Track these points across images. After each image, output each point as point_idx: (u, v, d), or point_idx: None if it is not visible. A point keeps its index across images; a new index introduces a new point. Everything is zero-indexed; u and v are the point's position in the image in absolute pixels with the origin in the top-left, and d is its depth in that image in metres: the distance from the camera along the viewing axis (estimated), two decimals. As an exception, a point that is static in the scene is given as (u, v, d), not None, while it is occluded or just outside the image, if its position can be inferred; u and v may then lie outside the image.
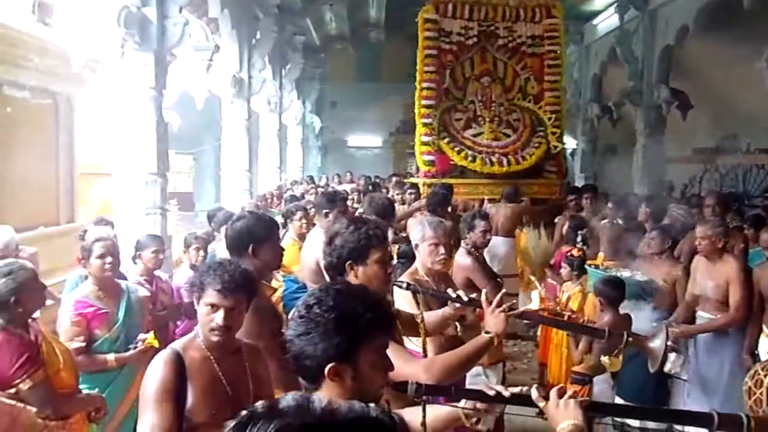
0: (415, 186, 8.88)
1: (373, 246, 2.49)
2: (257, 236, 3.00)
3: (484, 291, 2.69)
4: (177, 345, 2.29)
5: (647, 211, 6.56)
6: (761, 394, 3.20)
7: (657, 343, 2.68)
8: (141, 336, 3.65)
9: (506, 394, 1.83)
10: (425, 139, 9.41)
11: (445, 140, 9.38)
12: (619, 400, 5.12)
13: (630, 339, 2.80)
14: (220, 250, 4.77)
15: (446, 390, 2.06)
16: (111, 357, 3.53)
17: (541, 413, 1.80)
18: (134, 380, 3.67)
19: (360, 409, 0.98)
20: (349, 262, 2.49)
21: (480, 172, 9.28)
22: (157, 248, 4.43)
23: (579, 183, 11.88)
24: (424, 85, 9.50)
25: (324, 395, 1.15)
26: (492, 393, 1.84)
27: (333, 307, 1.59)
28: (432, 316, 2.81)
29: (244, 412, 0.96)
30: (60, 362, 2.90)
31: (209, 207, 9.38)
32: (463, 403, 1.91)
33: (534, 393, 1.82)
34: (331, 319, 1.58)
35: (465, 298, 2.68)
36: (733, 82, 10.41)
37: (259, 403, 0.97)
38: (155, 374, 2.15)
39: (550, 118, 9.72)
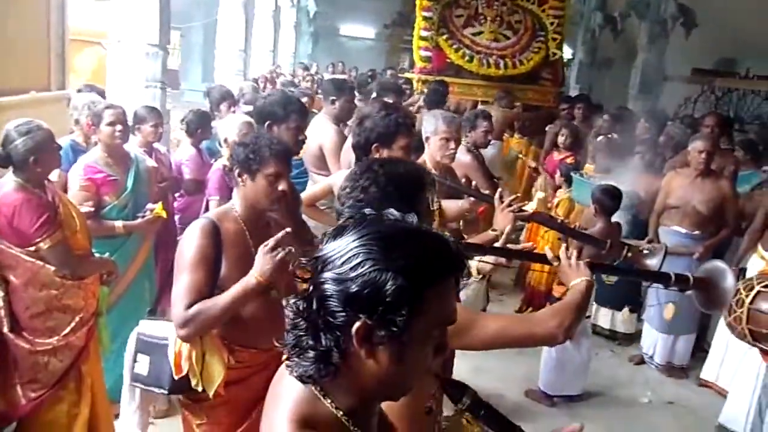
0: (408, 82, 8.82)
1: (401, 133, 2.61)
2: (277, 115, 3.03)
3: (498, 190, 2.82)
4: (212, 215, 2.37)
5: (646, 126, 6.63)
6: (741, 313, 3.41)
7: (654, 262, 2.78)
8: (149, 206, 3.71)
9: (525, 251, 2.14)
10: (424, 34, 9.25)
11: (444, 37, 9.23)
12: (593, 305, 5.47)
13: (629, 254, 2.93)
14: (221, 127, 4.76)
15: (480, 249, 2.20)
16: (119, 224, 3.59)
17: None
18: (141, 248, 3.77)
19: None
20: (375, 145, 2.59)
21: (476, 73, 9.21)
22: (156, 122, 4.41)
23: (573, 93, 11.82)
24: (427, -24, 9.23)
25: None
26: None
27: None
28: (451, 205, 2.90)
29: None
30: (77, 224, 2.96)
31: (196, 86, 9.23)
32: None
33: (549, 253, 2.08)
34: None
35: (481, 192, 2.78)
36: (738, 4, 10.24)
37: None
38: (193, 240, 2.23)
39: (552, 23, 9.58)
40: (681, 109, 12.06)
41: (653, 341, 5.18)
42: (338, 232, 1.06)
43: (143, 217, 3.68)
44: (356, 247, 1.00)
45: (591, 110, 8.25)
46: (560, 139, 6.40)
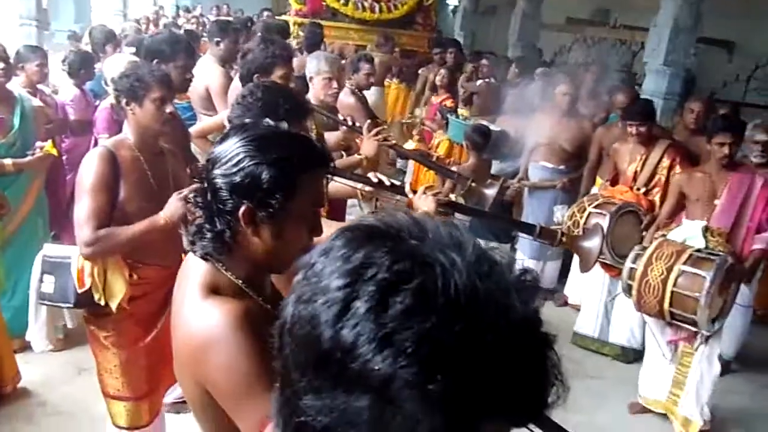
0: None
1: (278, 64, 2.90)
2: (164, 53, 3.18)
3: (367, 122, 3.15)
4: (108, 144, 2.54)
5: (516, 72, 7.11)
6: (581, 217, 3.96)
7: (491, 192, 2.89)
8: (39, 144, 3.74)
9: (387, 183, 2.38)
10: (299, -24, 9.25)
11: (319, -22, 9.27)
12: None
13: (473, 183, 3.12)
14: (107, 67, 4.75)
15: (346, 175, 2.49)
16: (8, 161, 3.61)
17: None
18: (32, 186, 3.81)
19: None
20: (256, 75, 2.85)
21: (351, 16, 9.32)
22: (41, 61, 4.37)
23: (459, 40, 12.22)
24: None
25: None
26: (376, 180, 2.37)
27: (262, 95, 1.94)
28: (330, 136, 3.20)
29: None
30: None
31: (68, 26, 8.89)
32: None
33: (407, 187, 2.41)
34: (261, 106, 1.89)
35: (354, 125, 3.10)
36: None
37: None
38: (92, 167, 2.42)
39: (427, -32, 9.80)
40: (556, 57, 12.78)
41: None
42: (224, 138, 1.34)
43: (33, 155, 3.72)
44: (238, 147, 1.29)
45: (462, 56, 8.64)
46: (438, 79, 6.73)
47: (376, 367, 0.58)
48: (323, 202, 1.39)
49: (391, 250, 0.62)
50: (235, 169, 1.27)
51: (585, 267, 2.57)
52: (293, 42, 7.79)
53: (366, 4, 9.32)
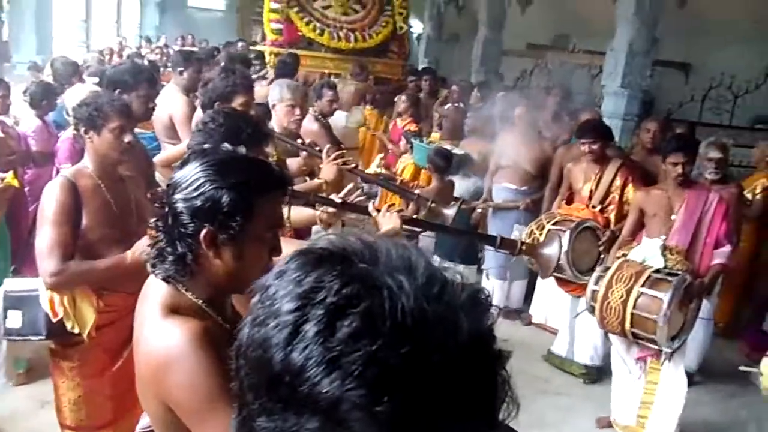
0: (261, 54, 8.96)
1: (239, 91, 2.95)
2: (126, 83, 3.19)
3: (327, 146, 3.20)
4: (67, 174, 2.55)
5: (478, 96, 7.25)
6: (540, 234, 4.06)
7: (450, 212, 2.88)
8: (0, 175, 3.70)
9: (350, 202, 2.45)
10: (274, 6, 9.38)
11: (295, 9, 9.41)
12: (437, 258, 5.99)
13: (433, 204, 3.14)
14: (69, 98, 4.73)
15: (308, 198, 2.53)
16: (-32, 193, 3.58)
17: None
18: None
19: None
20: (217, 102, 2.88)
21: (327, 45, 9.48)
22: (2, 93, 4.36)
23: (423, 67, 12.44)
24: (276, -52, 9.37)
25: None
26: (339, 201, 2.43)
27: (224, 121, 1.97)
28: (292, 163, 3.23)
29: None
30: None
31: (30, 58, 8.85)
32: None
33: (370, 206, 2.45)
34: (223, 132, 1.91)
35: (314, 149, 3.15)
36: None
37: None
38: (52, 198, 2.42)
39: (398, -2, 10.00)
40: (518, 81, 13.03)
41: (490, 288, 5.79)
42: (184, 163, 1.37)
43: (-6, 186, 3.68)
44: (198, 172, 1.33)
45: (437, 83, 8.81)
46: (401, 106, 6.85)
47: (325, 390, 0.58)
48: (282, 223, 1.43)
49: (340, 274, 0.63)
50: (195, 194, 1.30)
51: (545, 273, 2.67)
52: (270, 71, 7.86)
53: (341, 34, 9.48)
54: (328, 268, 0.64)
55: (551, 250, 2.80)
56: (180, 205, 1.32)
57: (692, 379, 4.65)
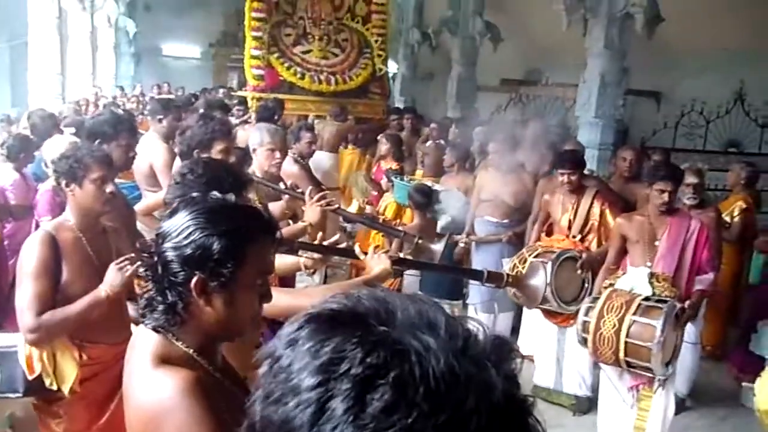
0: (243, 100, 9.04)
1: (218, 138, 2.94)
2: (106, 133, 3.19)
3: (309, 188, 3.20)
4: (48, 227, 2.52)
5: (456, 132, 7.34)
6: (522, 268, 4.07)
7: (438, 247, 2.85)
8: (-22, 230, 3.66)
9: (337, 247, 2.46)
10: (255, 53, 9.47)
11: (275, 55, 9.52)
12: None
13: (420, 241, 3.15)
14: (47, 150, 4.71)
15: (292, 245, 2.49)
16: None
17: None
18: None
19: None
20: (196, 150, 2.87)
21: (308, 89, 9.58)
22: (-21, 147, 4.32)
23: (399, 106, 12.58)
24: (255, -3, 9.52)
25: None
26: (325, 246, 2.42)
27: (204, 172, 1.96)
28: (274, 207, 3.22)
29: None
30: None
31: (4, 110, 8.85)
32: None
33: (357, 249, 2.44)
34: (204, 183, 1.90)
35: (296, 191, 3.15)
36: (538, 20, 11.43)
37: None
38: (31, 252, 2.40)
39: (376, 41, 10.14)
40: (494, 116, 13.23)
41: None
42: (172, 213, 1.37)
43: (-29, 242, 3.63)
44: (188, 220, 1.33)
45: (419, 121, 8.92)
46: (382, 148, 6.92)
47: None
48: (272, 269, 1.42)
49: (361, 341, 0.58)
50: (186, 242, 1.30)
51: (531, 303, 2.70)
52: (252, 116, 7.91)
53: (322, 77, 9.60)
54: (346, 335, 0.59)
55: (537, 281, 2.85)
56: (170, 254, 1.31)
57: (684, 404, 4.65)
